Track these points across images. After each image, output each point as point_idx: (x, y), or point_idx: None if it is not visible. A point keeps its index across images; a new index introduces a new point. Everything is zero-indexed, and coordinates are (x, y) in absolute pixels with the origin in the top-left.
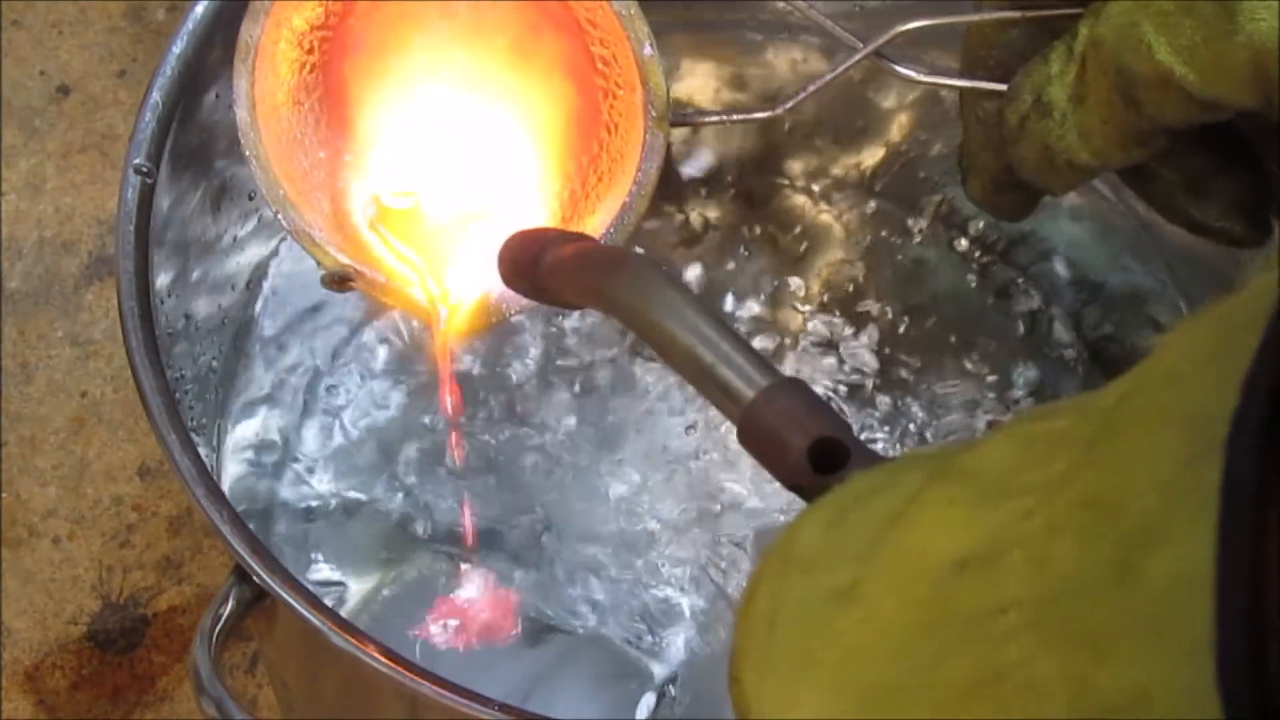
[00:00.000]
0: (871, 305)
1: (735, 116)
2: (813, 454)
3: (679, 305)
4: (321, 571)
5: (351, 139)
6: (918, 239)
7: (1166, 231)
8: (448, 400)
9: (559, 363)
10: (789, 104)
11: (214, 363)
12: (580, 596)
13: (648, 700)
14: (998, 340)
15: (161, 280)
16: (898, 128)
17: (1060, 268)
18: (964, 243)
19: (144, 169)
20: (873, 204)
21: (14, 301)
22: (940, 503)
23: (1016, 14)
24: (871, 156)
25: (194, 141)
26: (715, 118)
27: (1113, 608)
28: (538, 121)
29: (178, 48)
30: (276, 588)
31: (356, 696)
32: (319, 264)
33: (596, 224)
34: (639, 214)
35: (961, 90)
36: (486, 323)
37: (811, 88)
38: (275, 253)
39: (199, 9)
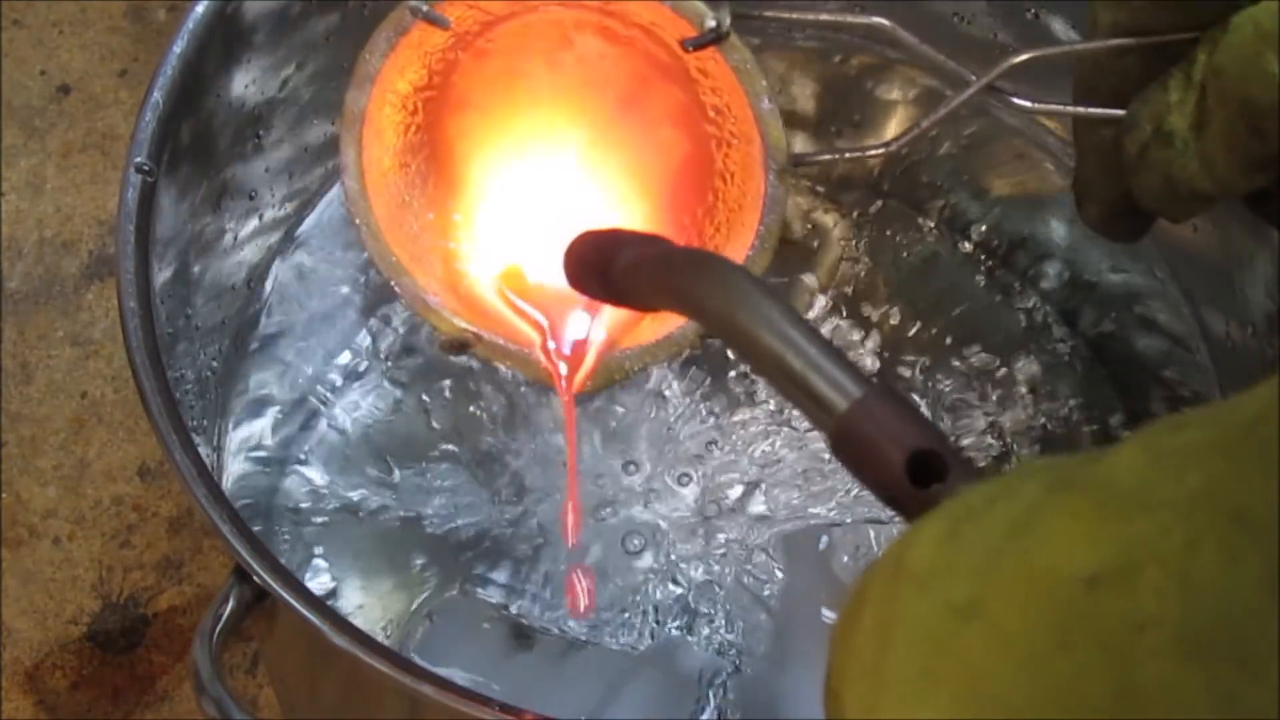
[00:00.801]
0: (879, 305)
1: (847, 154)
2: (910, 466)
3: (768, 310)
4: (322, 572)
5: (460, 198)
6: (923, 240)
7: (1166, 230)
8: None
9: None
10: (903, 140)
11: (214, 363)
12: (615, 609)
13: None
14: (1000, 338)
15: (161, 280)
16: (898, 124)
17: (1061, 268)
18: (967, 245)
19: (144, 168)
20: (878, 203)
21: (14, 301)
22: (1066, 515)
23: (1131, 41)
24: (874, 156)
25: (194, 141)
26: (827, 156)
27: (1266, 624)
28: (649, 172)
29: (178, 47)
30: (276, 588)
31: (356, 696)
32: (435, 329)
33: None
34: (763, 267)
35: (1075, 119)
36: (609, 380)
37: (925, 123)
38: (276, 252)
39: (199, 9)
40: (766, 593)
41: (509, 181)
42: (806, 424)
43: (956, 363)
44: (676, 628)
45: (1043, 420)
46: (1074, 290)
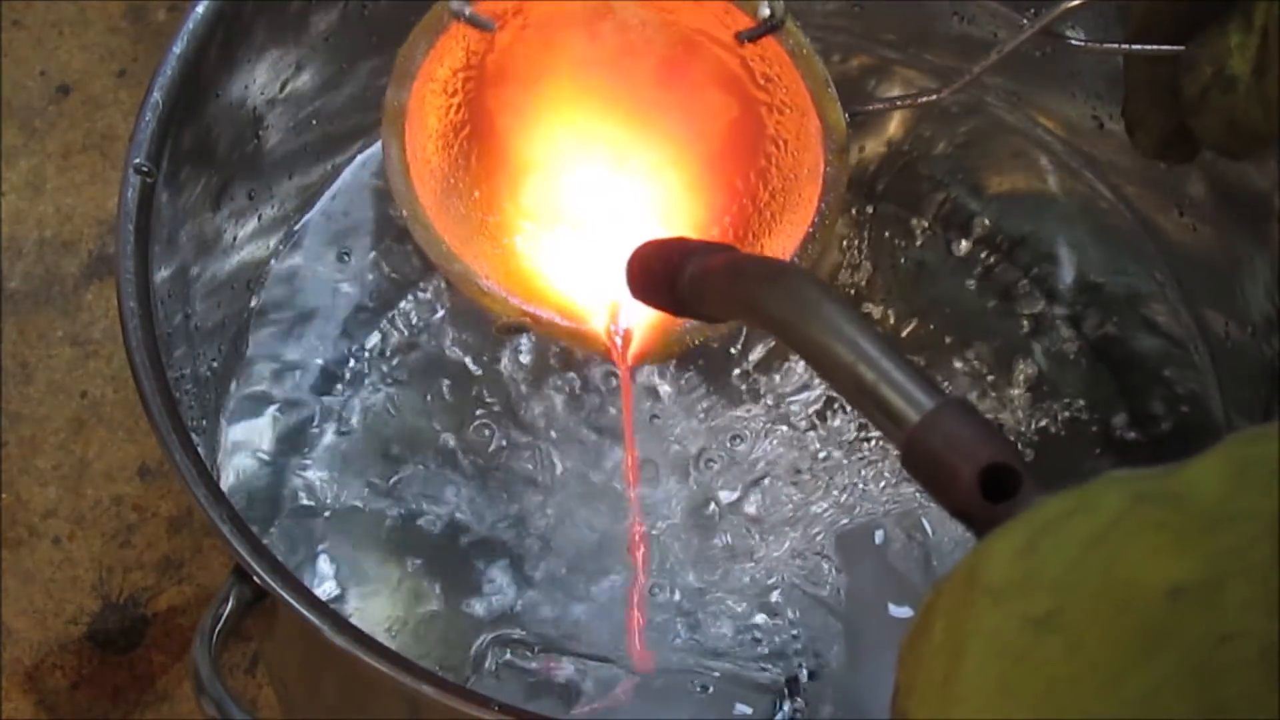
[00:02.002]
0: (873, 308)
1: (899, 102)
2: (982, 480)
3: (839, 320)
4: (322, 571)
5: (505, 170)
6: (920, 241)
7: (1165, 231)
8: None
9: (554, 363)
10: (955, 86)
11: (214, 363)
12: (671, 626)
13: None
14: (1000, 339)
15: (161, 280)
16: (897, 123)
17: (1061, 268)
18: (965, 244)
19: (144, 169)
20: (870, 207)
21: (14, 301)
22: (1149, 527)
23: None
24: (873, 152)
25: (194, 141)
26: (880, 106)
27: None
28: (696, 134)
29: (178, 48)
30: (276, 588)
31: (356, 696)
32: (488, 311)
33: (775, 247)
34: (823, 244)
35: (1127, 55)
36: (668, 354)
37: (978, 69)
38: (275, 252)
39: (199, 9)
40: (826, 593)
41: (553, 149)
42: (804, 422)
43: (959, 364)
44: (736, 643)
45: (1045, 421)
46: (1078, 291)
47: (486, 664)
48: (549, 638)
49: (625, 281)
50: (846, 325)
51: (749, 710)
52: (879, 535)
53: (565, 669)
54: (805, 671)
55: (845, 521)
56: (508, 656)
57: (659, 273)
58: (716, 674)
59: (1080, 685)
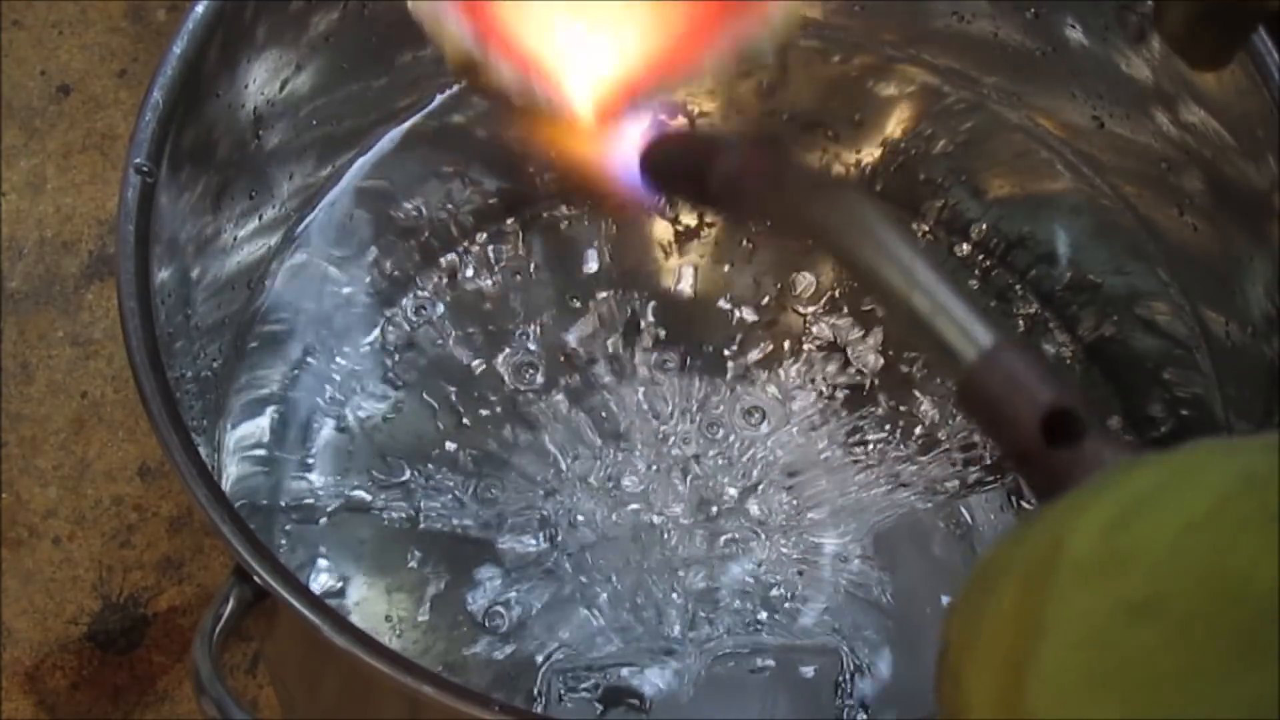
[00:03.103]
0: (875, 307)
1: None
2: (1044, 425)
3: (894, 246)
4: (322, 571)
5: None
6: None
7: (1165, 231)
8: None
9: (558, 375)
10: None
11: (214, 363)
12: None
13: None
14: None
15: (161, 280)
16: (897, 121)
17: (1059, 269)
18: (965, 247)
19: (144, 169)
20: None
21: (14, 301)
22: (1261, 517)
23: None
24: (869, 155)
25: (194, 141)
26: None
27: None
28: None
29: (178, 47)
30: (277, 588)
31: (356, 696)
32: (442, 51)
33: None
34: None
35: None
36: (665, 85)
37: None
38: (276, 252)
39: (199, 9)
40: (876, 593)
41: None
42: (817, 418)
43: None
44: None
45: None
46: (1076, 291)
47: (551, 692)
48: (591, 657)
49: (640, 172)
50: (901, 251)
51: (811, 676)
52: (918, 529)
53: (621, 676)
54: (855, 670)
55: (861, 518)
56: (562, 686)
57: (686, 165)
58: (770, 654)
59: (1184, 682)
